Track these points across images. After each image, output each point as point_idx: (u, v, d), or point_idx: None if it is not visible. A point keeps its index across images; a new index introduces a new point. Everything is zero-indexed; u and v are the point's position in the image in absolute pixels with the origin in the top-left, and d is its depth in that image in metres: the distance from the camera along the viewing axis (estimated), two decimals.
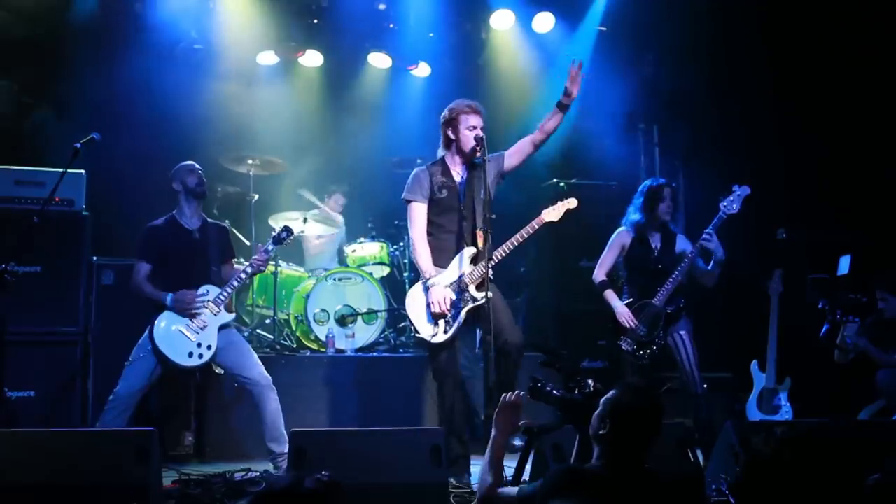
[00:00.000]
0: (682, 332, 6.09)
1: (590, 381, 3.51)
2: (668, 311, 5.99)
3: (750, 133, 7.94)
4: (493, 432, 3.61)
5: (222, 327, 5.58)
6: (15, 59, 7.55)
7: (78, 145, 5.32)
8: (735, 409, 6.55)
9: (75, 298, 6.34)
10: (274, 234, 5.81)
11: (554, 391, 3.58)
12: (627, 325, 6.04)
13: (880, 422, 5.93)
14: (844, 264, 6.29)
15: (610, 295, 6.17)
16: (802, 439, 2.17)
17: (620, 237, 6.28)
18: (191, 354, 5.47)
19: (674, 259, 6.11)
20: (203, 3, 8.31)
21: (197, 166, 5.82)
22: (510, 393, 3.66)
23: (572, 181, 8.12)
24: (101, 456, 4.34)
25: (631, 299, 6.14)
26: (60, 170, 5.43)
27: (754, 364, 6.51)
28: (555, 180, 8.25)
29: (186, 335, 5.47)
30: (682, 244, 6.20)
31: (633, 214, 6.26)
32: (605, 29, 8.88)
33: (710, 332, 6.22)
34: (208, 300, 5.54)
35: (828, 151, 7.23)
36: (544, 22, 8.86)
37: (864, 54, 7.23)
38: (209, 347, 5.50)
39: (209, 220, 5.93)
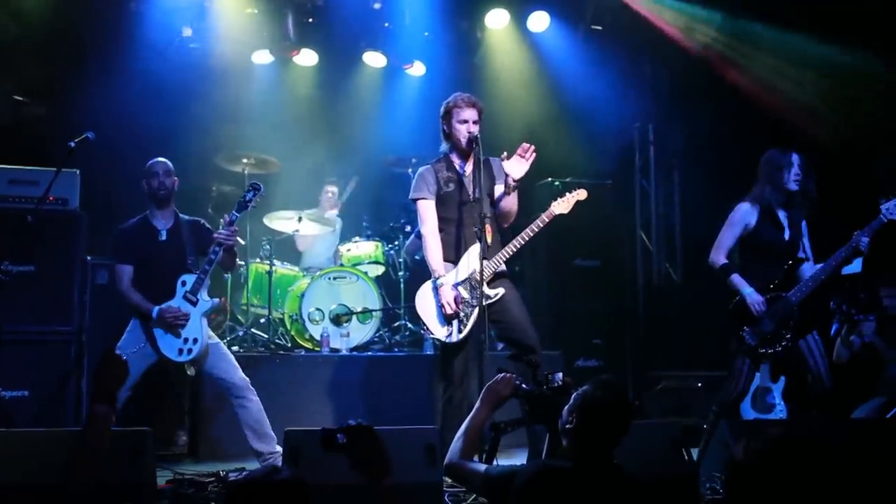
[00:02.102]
0: (814, 332, 5.50)
1: (559, 375, 3.48)
2: (802, 313, 5.39)
3: (745, 131, 7.94)
4: (476, 404, 3.58)
5: (205, 316, 5.52)
6: (9, 58, 7.53)
7: (72, 144, 5.31)
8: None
9: (69, 298, 6.33)
10: (239, 199, 5.58)
11: (523, 385, 3.55)
12: (757, 312, 5.38)
13: (874, 420, 5.95)
14: (855, 263, 6.23)
15: (737, 279, 5.48)
16: (778, 445, 2.16)
17: (743, 213, 5.57)
18: (180, 351, 5.45)
19: (801, 243, 5.59)
20: (198, 2, 8.30)
21: (159, 167, 5.65)
22: (504, 373, 3.63)
23: (567, 180, 8.12)
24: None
25: (759, 287, 5.46)
26: (54, 169, 5.42)
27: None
28: (549, 179, 8.25)
29: (172, 333, 5.45)
30: (805, 230, 5.65)
31: (757, 187, 5.60)
32: (600, 28, 8.89)
33: (706, 330, 6.22)
34: (186, 291, 5.48)
35: (824, 150, 7.22)
36: (539, 21, 8.87)
37: (861, 53, 7.24)
38: (195, 341, 5.44)
39: (184, 217, 5.79)
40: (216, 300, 5.61)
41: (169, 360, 5.47)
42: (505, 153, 5.38)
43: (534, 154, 5.31)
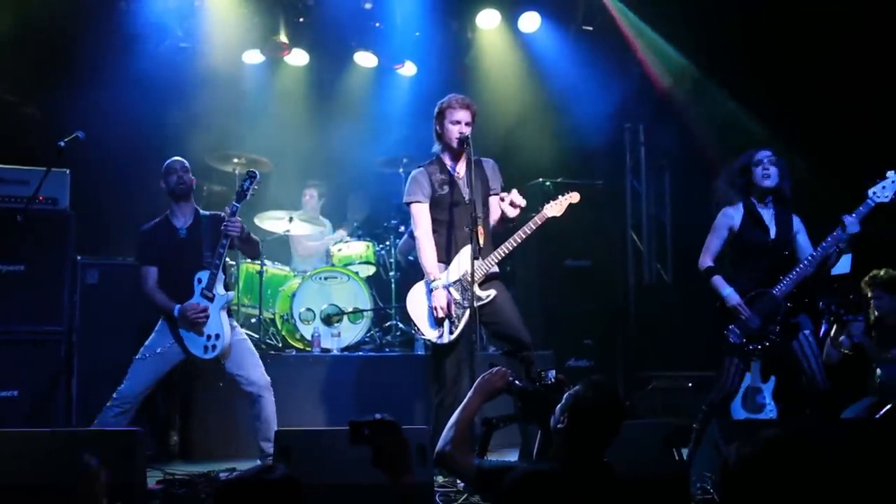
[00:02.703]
0: (807, 332, 5.46)
1: (552, 373, 3.47)
2: (789, 306, 5.37)
3: (735, 132, 7.97)
4: (469, 393, 3.58)
5: (223, 309, 5.52)
6: (0, 58, 7.50)
7: (62, 144, 5.31)
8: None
9: (59, 297, 6.31)
10: (237, 189, 5.60)
11: (516, 381, 3.54)
12: (735, 309, 5.40)
13: (863, 420, 5.97)
14: (844, 264, 6.21)
15: (718, 281, 5.50)
16: (770, 449, 2.17)
17: (727, 217, 5.58)
18: (205, 349, 5.46)
19: (790, 241, 5.53)
20: (189, 2, 8.28)
21: (177, 164, 5.67)
22: (498, 367, 3.61)
23: (558, 180, 8.13)
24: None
25: (745, 287, 5.46)
26: (44, 168, 5.40)
27: None
28: (540, 179, 8.26)
29: (195, 331, 5.45)
30: (797, 225, 5.59)
31: (731, 189, 5.62)
32: (591, 28, 8.90)
33: (697, 330, 6.24)
34: (203, 288, 5.49)
35: (812, 150, 7.26)
36: (530, 21, 8.87)
37: (851, 54, 7.27)
38: (218, 336, 5.45)
39: (204, 212, 5.79)
40: (231, 293, 5.61)
41: (197, 358, 5.48)
42: (502, 195, 5.44)
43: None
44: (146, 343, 5.51)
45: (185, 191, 5.66)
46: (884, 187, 5.32)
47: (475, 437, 3.87)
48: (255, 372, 5.56)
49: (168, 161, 5.72)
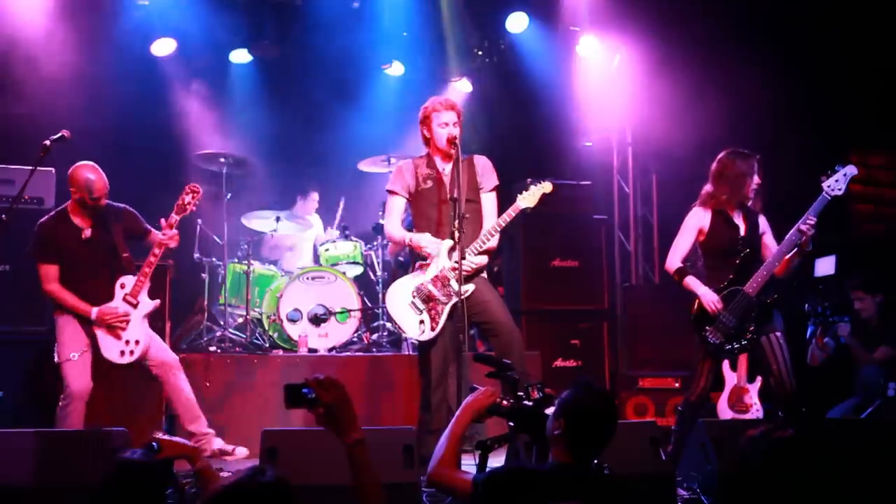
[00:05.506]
0: (778, 333, 5.36)
1: (539, 387, 3.47)
2: (764, 302, 5.31)
3: (722, 133, 7.98)
4: (457, 412, 3.53)
5: (146, 317, 5.52)
6: None
7: (47, 142, 5.28)
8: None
9: (43, 298, 6.26)
10: (178, 202, 5.52)
11: (504, 402, 3.51)
12: (713, 310, 5.29)
13: (848, 420, 6.00)
14: (828, 265, 6.17)
15: (692, 281, 5.42)
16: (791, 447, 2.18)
17: (698, 218, 5.52)
18: (122, 353, 5.44)
19: (757, 241, 5.50)
20: (176, 0, 8.25)
21: (101, 184, 5.42)
22: (486, 388, 3.59)
23: (545, 181, 8.11)
24: (71, 456, 4.30)
25: (717, 287, 5.39)
26: (30, 167, 5.37)
27: (725, 363, 6.54)
28: (528, 180, 8.22)
29: (112, 335, 5.43)
30: (763, 225, 5.56)
31: (715, 190, 5.51)
32: (577, 29, 8.91)
33: (684, 331, 6.23)
34: (126, 293, 5.45)
35: (797, 151, 7.29)
36: (518, 22, 8.87)
37: (830, 59, 7.32)
38: (137, 343, 5.44)
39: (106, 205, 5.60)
40: (157, 301, 5.61)
41: (109, 362, 5.45)
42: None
43: None
44: (63, 342, 5.44)
45: (97, 209, 5.49)
46: (837, 180, 5.27)
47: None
48: (167, 353, 5.60)
49: (86, 173, 5.44)
